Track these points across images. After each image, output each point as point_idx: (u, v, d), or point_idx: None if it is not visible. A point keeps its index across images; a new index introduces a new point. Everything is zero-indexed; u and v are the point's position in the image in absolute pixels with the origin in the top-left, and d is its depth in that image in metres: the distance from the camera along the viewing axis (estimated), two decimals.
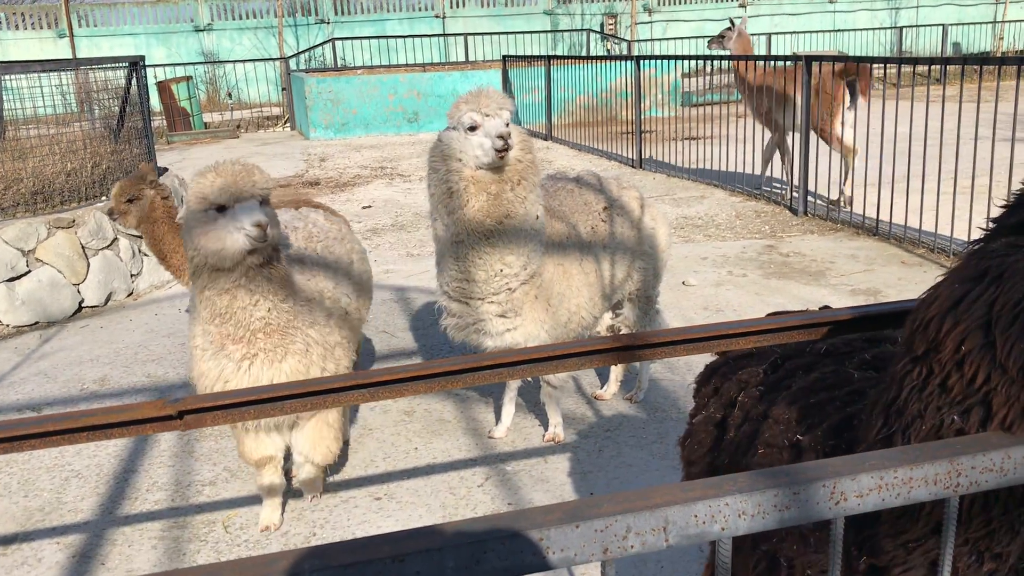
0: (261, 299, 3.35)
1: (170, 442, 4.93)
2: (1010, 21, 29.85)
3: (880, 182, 8.56)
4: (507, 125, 3.88)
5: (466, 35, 24.77)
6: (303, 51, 24.38)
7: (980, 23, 29.40)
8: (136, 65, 9.49)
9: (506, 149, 3.83)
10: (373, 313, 6.16)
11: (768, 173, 10.81)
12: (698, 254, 8.28)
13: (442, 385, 1.89)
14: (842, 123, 9.30)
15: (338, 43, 24.64)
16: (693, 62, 14.57)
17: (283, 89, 21.92)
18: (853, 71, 9.27)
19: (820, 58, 9.35)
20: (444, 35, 26.60)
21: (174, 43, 27.04)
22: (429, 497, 4.25)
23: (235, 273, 3.27)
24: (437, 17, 28.46)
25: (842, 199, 9.60)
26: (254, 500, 4.24)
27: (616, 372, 5.29)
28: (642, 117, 13.29)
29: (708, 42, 11.84)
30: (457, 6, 28.84)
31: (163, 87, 19.70)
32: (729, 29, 11.24)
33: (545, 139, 16.23)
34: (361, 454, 4.73)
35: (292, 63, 22.54)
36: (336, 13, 27.89)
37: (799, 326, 1.92)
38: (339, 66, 23.68)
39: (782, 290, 7.08)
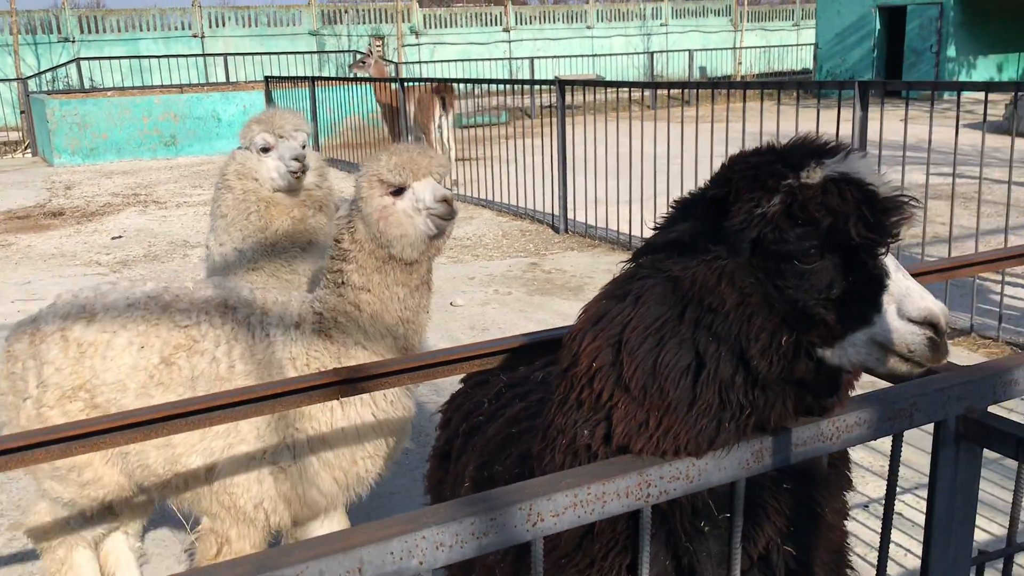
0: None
1: None
2: (747, 48, 32.80)
3: (631, 199, 9.03)
4: (303, 147, 3.78)
5: (226, 55, 23.89)
6: (45, 71, 22.63)
7: (721, 49, 32.05)
8: None
9: (302, 171, 3.73)
10: None
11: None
12: (466, 274, 8.39)
13: (145, 435, 1.76)
14: (438, 127, 12.70)
15: (84, 63, 23.02)
16: (461, 85, 14.81)
17: (22, 112, 20.18)
18: (444, 89, 12.49)
19: (572, 82, 9.83)
20: (204, 55, 25.51)
21: None
22: (176, 546, 4.00)
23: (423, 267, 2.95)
24: (195, 36, 27.30)
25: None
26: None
27: None
28: (411, 138, 13.36)
29: (350, 65, 15.14)
30: (217, 25, 27.83)
31: None
32: (368, 55, 14.91)
33: None
34: None
35: (32, 84, 20.82)
36: (82, 31, 26.09)
37: (511, 349, 1.94)
38: (87, 87, 22.11)
39: (544, 306, 7.30)
